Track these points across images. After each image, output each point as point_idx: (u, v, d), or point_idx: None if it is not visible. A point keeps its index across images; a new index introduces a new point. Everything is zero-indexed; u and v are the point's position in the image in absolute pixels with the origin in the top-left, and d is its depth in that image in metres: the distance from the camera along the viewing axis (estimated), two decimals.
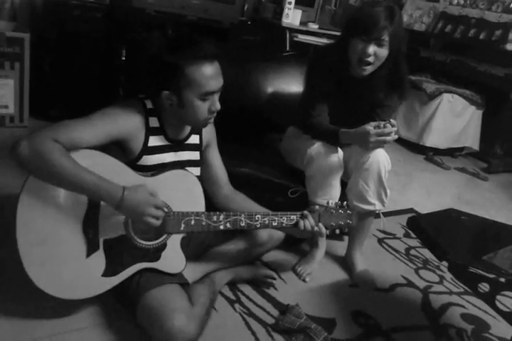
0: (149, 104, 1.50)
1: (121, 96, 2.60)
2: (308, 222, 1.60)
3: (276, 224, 1.60)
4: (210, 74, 1.40)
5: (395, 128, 1.73)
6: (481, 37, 4.42)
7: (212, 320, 1.58)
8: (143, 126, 1.47)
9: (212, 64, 1.41)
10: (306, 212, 1.62)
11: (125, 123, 1.42)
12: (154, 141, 1.50)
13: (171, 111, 1.47)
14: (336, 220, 1.67)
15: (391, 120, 1.73)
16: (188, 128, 1.61)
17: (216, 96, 1.46)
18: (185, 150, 1.61)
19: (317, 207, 1.66)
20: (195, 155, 1.65)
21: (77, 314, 1.52)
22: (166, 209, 1.43)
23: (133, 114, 1.45)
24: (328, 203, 1.68)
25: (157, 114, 1.50)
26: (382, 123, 1.72)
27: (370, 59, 1.82)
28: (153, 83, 1.46)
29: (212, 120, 1.53)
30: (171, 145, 1.56)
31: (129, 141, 1.45)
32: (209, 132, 1.70)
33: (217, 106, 1.47)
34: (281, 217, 1.60)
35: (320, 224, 1.63)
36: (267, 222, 1.58)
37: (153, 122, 1.50)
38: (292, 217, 1.62)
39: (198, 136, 1.66)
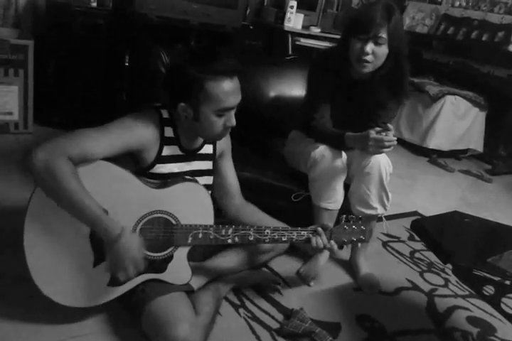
0: (165, 114, 1.49)
1: (125, 101, 2.61)
2: (321, 240, 1.57)
3: (285, 239, 1.57)
4: (229, 90, 1.39)
5: (395, 138, 1.72)
6: (484, 38, 4.42)
7: (217, 325, 1.59)
8: (158, 136, 1.46)
9: (232, 80, 1.40)
10: (320, 229, 1.59)
11: (141, 134, 1.41)
12: (168, 151, 1.49)
13: (186, 123, 1.46)
14: (349, 236, 1.65)
15: (389, 125, 1.72)
16: (201, 139, 1.60)
17: (232, 112, 1.45)
18: (198, 159, 1.60)
19: (330, 224, 1.64)
20: (208, 165, 1.63)
21: (83, 320, 1.52)
22: (142, 267, 1.37)
23: (149, 124, 1.43)
24: (342, 218, 1.66)
25: (172, 124, 1.49)
26: (384, 133, 1.72)
27: (369, 58, 1.82)
28: (171, 94, 1.45)
29: (226, 135, 1.52)
30: (185, 156, 1.54)
31: (143, 150, 1.44)
32: (223, 142, 1.68)
33: (233, 122, 1.45)
34: (291, 233, 1.57)
35: (332, 242, 1.59)
36: (276, 237, 1.56)
37: (168, 132, 1.48)
38: (303, 233, 1.58)
39: (211, 146, 1.64)
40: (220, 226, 1.50)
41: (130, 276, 1.35)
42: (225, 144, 1.70)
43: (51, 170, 1.22)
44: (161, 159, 1.47)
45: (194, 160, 1.58)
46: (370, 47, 1.80)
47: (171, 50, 2.09)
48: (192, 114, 1.42)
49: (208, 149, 1.63)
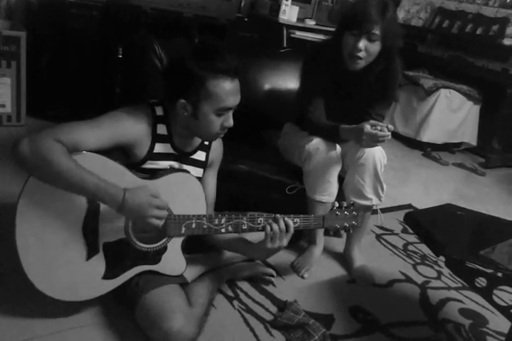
0: (159, 111, 1.47)
1: (118, 94, 2.60)
2: (277, 226, 1.50)
3: None
4: (230, 90, 1.39)
5: (389, 133, 1.72)
6: (478, 32, 4.43)
7: (211, 317, 1.59)
8: (149, 133, 1.44)
9: (233, 80, 1.39)
10: (278, 215, 1.52)
11: (131, 129, 1.40)
12: (160, 148, 1.48)
13: (183, 120, 1.45)
14: (341, 222, 1.66)
15: (389, 125, 1.72)
16: (196, 143, 1.59)
17: (231, 113, 1.45)
18: (189, 164, 1.58)
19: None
20: (198, 172, 1.62)
21: (78, 313, 1.52)
22: (167, 211, 1.41)
23: (140, 120, 1.42)
24: (333, 205, 1.66)
25: (166, 121, 1.48)
26: (379, 126, 1.71)
27: (361, 54, 1.81)
28: (171, 89, 1.44)
29: (222, 135, 1.51)
30: (177, 155, 1.53)
31: (133, 146, 1.42)
32: (216, 152, 1.67)
33: (231, 122, 1.45)
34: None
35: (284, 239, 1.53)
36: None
37: (161, 129, 1.47)
38: (296, 220, 1.58)
39: (204, 154, 1.63)
40: (213, 215, 1.50)
41: (163, 218, 1.35)
42: (217, 153, 1.69)
43: (38, 150, 1.21)
44: (152, 156, 1.46)
45: (186, 163, 1.57)
46: (363, 43, 1.79)
47: (165, 42, 2.08)
48: (191, 111, 1.40)
49: (201, 156, 1.62)
